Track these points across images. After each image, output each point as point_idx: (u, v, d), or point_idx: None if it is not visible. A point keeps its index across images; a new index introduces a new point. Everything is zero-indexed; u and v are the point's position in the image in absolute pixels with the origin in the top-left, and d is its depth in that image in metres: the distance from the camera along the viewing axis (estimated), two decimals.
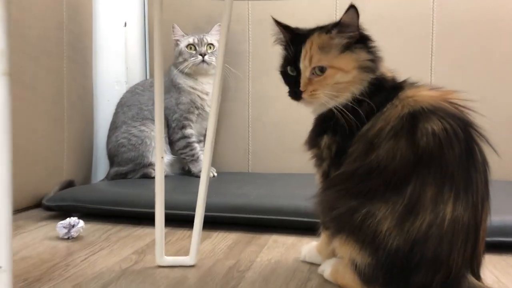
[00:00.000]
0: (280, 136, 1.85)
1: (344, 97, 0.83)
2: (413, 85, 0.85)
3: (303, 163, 1.80)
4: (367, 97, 0.82)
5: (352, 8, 0.81)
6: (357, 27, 0.83)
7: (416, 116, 0.76)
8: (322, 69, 0.83)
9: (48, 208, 1.43)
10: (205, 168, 0.96)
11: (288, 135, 1.82)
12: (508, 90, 1.66)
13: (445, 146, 0.74)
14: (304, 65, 0.84)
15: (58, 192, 1.46)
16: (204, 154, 0.97)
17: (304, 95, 0.84)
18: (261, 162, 1.88)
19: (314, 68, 0.83)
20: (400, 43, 1.70)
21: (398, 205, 0.73)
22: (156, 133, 0.92)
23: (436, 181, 0.73)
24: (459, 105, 0.80)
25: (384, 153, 0.76)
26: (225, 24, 0.92)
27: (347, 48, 0.83)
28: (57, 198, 1.40)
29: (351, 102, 0.82)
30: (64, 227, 1.17)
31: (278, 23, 0.92)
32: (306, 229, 1.18)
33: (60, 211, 1.43)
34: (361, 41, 0.84)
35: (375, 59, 0.84)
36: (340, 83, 0.83)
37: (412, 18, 1.71)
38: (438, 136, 0.74)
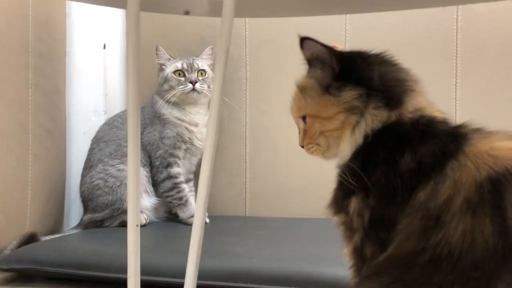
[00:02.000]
0: (282, 174, 1.61)
1: (345, 149, 0.64)
2: (479, 131, 0.61)
3: (308, 205, 1.59)
4: (375, 147, 0.61)
5: (305, 40, 0.64)
6: (329, 58, 0.63)
7: (501, 183, 0.53)
8: (304, 119, 0.67)
9: (2, 270, 1.16)
10: (195, 241, 0.71)
11: (291, 172, 1.59)
12: None
13: None
14: (294, 115, 0.70)
15: (16, 249, 1.19)
16: (194, 222, 0.72)
17: (305, 150, 0.70)
18: (260, 204, 1.64)
19: (301, 118, 0.68)
20: (420, 68, 1.48)
21: None
22: (129, 194, 0.68)
23: None
24: None
25: (458, 236, 0.52)
26: (223, 47, 0.68)
27: (326, 89, 0.64)
28: (12, 258, 1.14)
29: (359, 156, 0.62)
30: None
31: None
32: None
33: (18, 273, 1.17)
34: (346, 73, 0.63)
35: (376, 93, 0.62)
36: (329, 132, 0.64)
37: (434, 39, 1.50)
38: None
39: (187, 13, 0.80)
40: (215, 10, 0.72)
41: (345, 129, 0.63)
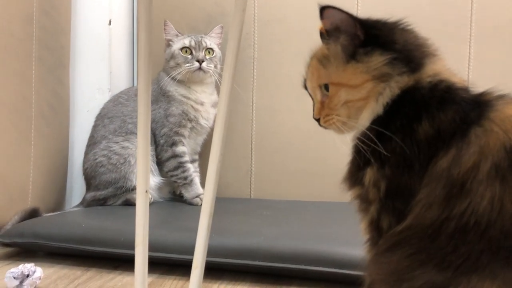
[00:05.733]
0: (288, 157, 1.58)
1: (365, 119, 0.61)
2: (504, 98, 0.58)
3: (314, 189, 1.56)
4: (399, 113, 0.58)
5: (326, 9, 0.61)
6: (353, 25, 0.60)
7: None
8: (327, 88, 0.63)
9: (4, 245, 1.14)
10: (205, 216, 0.69)
11: (297, 155, 1.56)
12: None
13: None
14: (311, 86, 0.66)
15: (17, 224, 1.17)
16: (204, 200, 0.70)
17: (321, 122, 0.66)
18: (265, 186, 1.61)
19: (320, 87, 0.64)
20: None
21: None
22: (138, 159, 0.65)
23: None
24: None
25: (486, 204, 0.50)
26: (239, 7, 0.65)
27: (352, 56, 0.60)
28: (14, 232, 1.11)
29: (375, 125, 0.59)
30: (14, 277, 0.88)
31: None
32: (332, 281, 0.93)
33: (20, 248, 1.15)
34: (371, 40, 0.60)
35: (401, 57, 0.59)
36: (353, 101, 0.61)
37: (448, 20, 1.46)
38: None
39: None
40: None
41: (370, 98, 0.60)
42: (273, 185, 1.60)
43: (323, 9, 0.61)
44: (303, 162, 1.56)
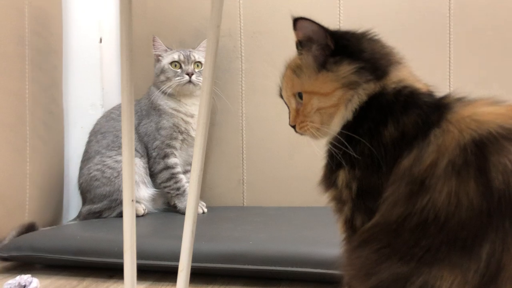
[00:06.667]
0: (279, 165, 1.62)
1: (336, 125, 0.65)
2: (461, 100, 0.62)
3: (305, 195, 1.60)
4: (369, 119, 0.62)
5: (298, 20, 0.65)
6: (324, 36, 0.65)
7: (484, 145, 0.54)
8: (301, 97, 0.67)
9: (2, 259, 1.17)
10: (189, 220, 0.72)
11: (288, 163, 1.60)
12: None
13: None
14: (286, 95, 0.70)
15: (15, 238, 1.20)
16: (188, 201, 0.73)
17: (296, 129, 0.70)
18: (258, 194, 1.65)
19: (295, 96, 0.68)
20: (411, 55, 1.50)
21: (470, 274, 0.51)
22: (124, 169, 0.69)
23: None
24: None
25: (443, 198, 0.54)
26: (214, 23, 0.69)
27: (323, 66, 0.65)
28: (11, 246, 1.15)
29: (345, 130, 0.63)
30: None
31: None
32: (319, 282, 0.97)
33: (17, 262, 1.18)
34: (340, 50, 0.65)
35: (368, 66, 0.64)
36: (325, 108, 0.65)
37: (426, 27, 1.51)
38: None
39: None
40: None
41: (340, 105, 0.64)
42: (265, 193, 1.63)
43: (296, 21, 0.66)
44: (294, 169, 1.59)
